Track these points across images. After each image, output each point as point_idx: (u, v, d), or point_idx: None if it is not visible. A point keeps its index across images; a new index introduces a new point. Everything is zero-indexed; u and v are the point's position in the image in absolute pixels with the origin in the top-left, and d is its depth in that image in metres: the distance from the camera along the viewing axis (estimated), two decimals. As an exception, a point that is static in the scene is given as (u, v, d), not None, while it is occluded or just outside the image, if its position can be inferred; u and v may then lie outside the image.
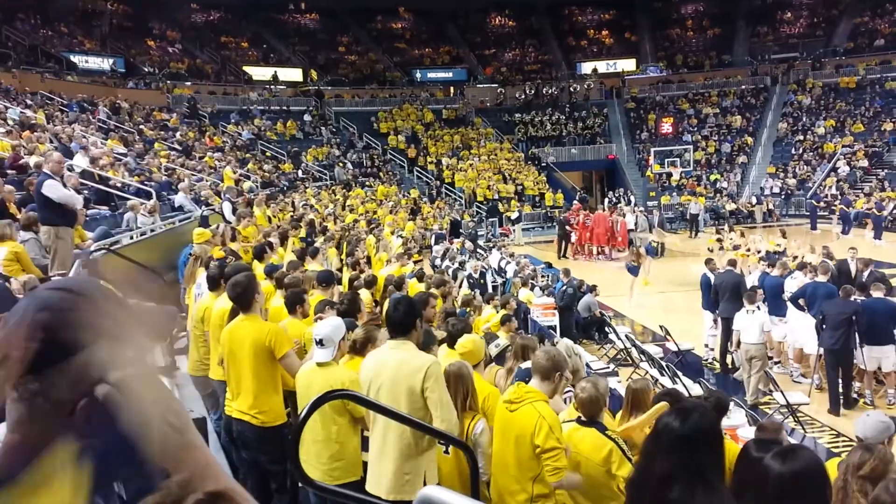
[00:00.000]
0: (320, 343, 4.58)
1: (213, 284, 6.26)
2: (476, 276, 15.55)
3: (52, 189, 7.45)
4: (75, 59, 34.43)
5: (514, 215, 31.58)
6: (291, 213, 16.81)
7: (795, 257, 15.29)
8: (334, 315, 5.55)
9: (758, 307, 10.72)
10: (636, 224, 24.98)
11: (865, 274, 12.37)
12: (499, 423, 4.28)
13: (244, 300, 5.01)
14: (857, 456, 3.63)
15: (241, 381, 4.97)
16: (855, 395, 10.44)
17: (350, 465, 4.48)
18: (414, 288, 9.73)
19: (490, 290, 14.63)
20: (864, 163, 33.99)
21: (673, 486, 2.25)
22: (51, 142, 14.89)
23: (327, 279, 7.47)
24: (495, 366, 6.15)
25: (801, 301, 11.27)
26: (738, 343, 11.09)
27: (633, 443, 4.29)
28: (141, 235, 10.26)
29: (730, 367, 12.15)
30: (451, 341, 5.47)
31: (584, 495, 4.32)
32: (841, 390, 10.20)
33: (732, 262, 13.31)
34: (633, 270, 17.73)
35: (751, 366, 10.64)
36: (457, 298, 10.57)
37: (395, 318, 4.17)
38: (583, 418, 4.33)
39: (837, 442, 9.08)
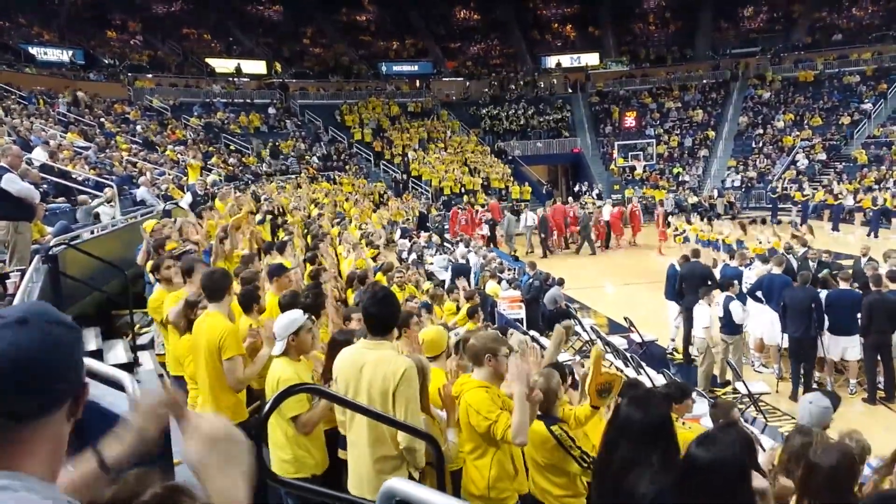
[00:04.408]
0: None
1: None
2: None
3: (10, 183, 7.29)
4: (33, 50, 33.73)
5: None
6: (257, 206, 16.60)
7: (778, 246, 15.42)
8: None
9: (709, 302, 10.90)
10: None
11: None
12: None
13: (214, 291, 4.97)
14: (796, 440, 3.84)
15: (198, 377, 4.92)
16: (815, 385, 10.65)
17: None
18: (380, 280, 9.68)
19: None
20: (823, 156, 34.62)
21: (631, 471, 2.36)
22: (9, 135, 14.55)
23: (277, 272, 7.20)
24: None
25: (758, 293, 11.49)
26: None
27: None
28: (102, 230, 10.07)
29: (692, 357, 12.34)
30: None
31: (545, 470, 4.41)
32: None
33: (696, 253, 13.49)
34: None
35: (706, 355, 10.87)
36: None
37: (380, 315, 3.91)
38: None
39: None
